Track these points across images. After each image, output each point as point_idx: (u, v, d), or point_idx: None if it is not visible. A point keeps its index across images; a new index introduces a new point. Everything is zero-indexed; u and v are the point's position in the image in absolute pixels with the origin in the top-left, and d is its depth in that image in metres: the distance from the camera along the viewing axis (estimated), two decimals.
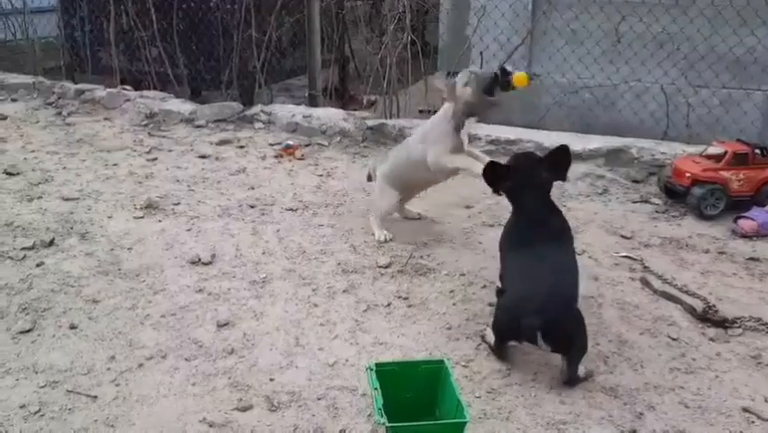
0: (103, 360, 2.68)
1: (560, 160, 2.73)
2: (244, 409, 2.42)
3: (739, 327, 2.93)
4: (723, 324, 2.94)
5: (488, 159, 3.42)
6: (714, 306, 3.06)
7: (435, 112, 5.87)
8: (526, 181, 2.75)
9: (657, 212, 4.13)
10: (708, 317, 2.98)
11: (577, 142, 4.80)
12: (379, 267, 3.39)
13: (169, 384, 2.55)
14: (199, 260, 3.45)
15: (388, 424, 2.06)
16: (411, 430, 2.12)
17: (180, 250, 3.57)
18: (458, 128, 3.45)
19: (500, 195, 2.87)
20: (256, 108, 5.76)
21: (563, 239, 2.71)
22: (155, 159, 4.94)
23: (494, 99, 3.38)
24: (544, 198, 2.76)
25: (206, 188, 4.42)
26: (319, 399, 2.48)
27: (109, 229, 3.79)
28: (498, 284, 2.86)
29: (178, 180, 4.54)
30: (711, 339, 2.86)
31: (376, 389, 2.19)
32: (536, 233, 2.67)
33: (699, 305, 3.06)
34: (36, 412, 2.39)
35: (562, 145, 2.72)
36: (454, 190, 4.24)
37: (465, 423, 2.10)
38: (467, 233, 3.85)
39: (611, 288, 3.26)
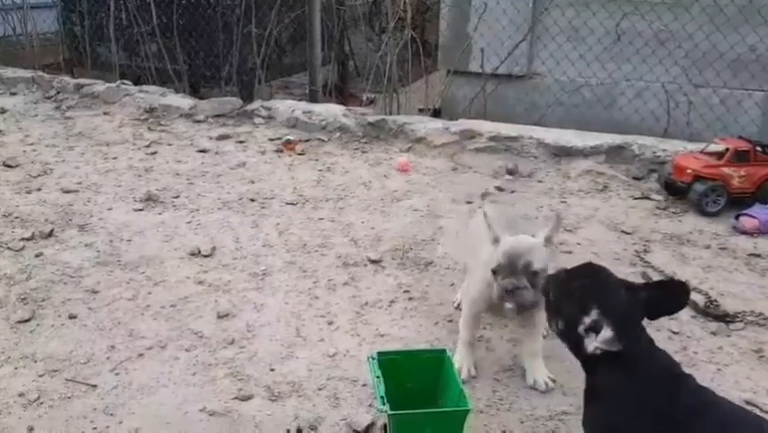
0: (102, 349, 2.67)
1: (669, 296, 1.77)
2: (245, 399, 2.41)
3: (741, 321, 2.92)
4: (724, 318, 2.93)
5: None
6: (715, 300, 3.05)
7: (434, 111, 5.96)
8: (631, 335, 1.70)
9: (658, 208, 4.12)
10: (709, 312, 2.97)
11: (578, 139, 4.81)
12: (372, 261, 3.37)
13: (168, 374, 2.54)
14: (199, 252, 3.43)
15: (390, 412, 2.04)
16: (413, 418, 2.11)
17: (180, 242, 3.55)
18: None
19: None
20: (256, 104, 5.74)
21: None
22: (155, 153, 4.92)
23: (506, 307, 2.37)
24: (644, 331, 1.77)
25: (206, 182, 4.40)
26: (320, 389, 2.47)
27: (109, 221, 3.77)
28: None
29: (177, 174, 4.52)
30: (713, 333, 2.85)
31: (378, 377, 2.17)
32: (681, 387, 1.68)
33: (700, 299, 3.05)
34: (35, 400, 2.38)
35: (677, 280, 1.81)
36: (455, 186, 4.23)
37: (468, 411, 2.09)
38: (467, 227, 3.82)
39: None
